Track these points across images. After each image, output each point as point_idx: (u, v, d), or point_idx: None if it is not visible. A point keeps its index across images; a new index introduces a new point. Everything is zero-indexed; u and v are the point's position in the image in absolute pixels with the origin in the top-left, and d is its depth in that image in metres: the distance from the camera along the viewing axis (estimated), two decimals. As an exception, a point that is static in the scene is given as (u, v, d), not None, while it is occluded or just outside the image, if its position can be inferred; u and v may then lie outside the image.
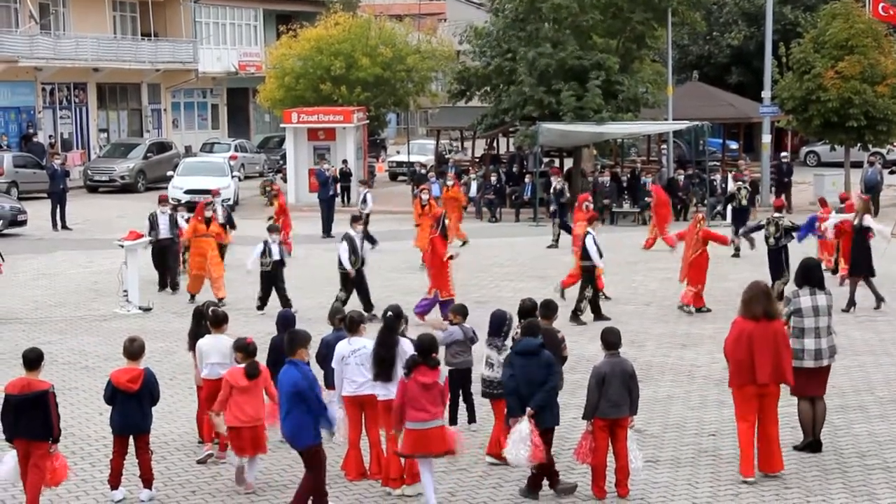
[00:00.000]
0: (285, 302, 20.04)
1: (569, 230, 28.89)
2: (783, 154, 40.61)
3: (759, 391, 11.54)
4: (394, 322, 11.71)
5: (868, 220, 20.91)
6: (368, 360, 11.56)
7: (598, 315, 19.63)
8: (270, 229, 21.13)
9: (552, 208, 30.05)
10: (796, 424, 12.66)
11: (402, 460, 11.37)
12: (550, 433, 11.28)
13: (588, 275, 19.70)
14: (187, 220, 23.40)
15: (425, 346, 10.91)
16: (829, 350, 12.49)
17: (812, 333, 12.33)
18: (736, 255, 25.98)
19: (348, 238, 20.00)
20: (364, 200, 30.22)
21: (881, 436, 13.20)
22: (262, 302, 20.67)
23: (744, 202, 28.22)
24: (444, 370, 11.03)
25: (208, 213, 22.60)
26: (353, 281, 20.08)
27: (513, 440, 10.99)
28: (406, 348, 11.42)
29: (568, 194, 30.88)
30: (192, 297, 21.49)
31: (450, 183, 31.01)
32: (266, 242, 20.56)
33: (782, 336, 11.71)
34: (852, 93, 35.90)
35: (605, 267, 20.32)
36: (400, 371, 11.19)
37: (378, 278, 22.67)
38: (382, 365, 11.44)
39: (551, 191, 30.63)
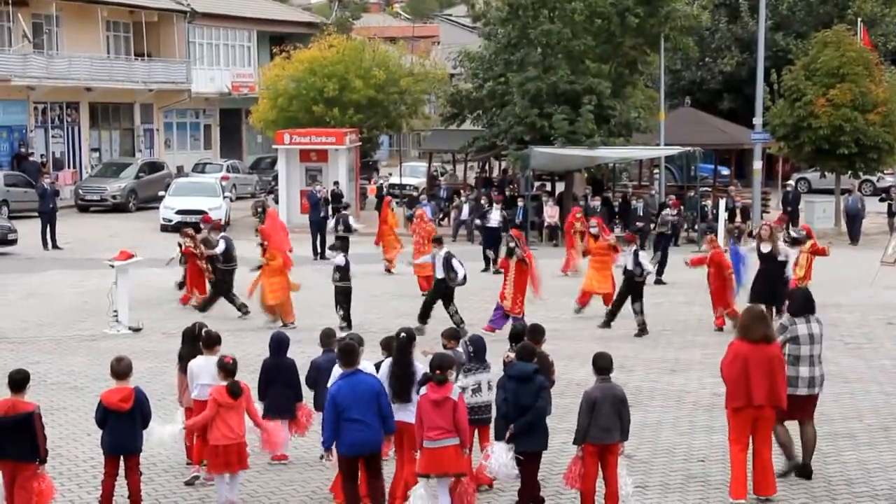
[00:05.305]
0: (348, 321, 20.03)
1: (491, 256, 29.29)
2: (788, 182, 40.50)
3: (754, 414, 11.51)
4: (406, 343, 11.69)
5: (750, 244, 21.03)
6: None
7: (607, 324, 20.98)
8: (334, 248, 21.11)
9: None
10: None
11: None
12: (538, 458, 11.26)
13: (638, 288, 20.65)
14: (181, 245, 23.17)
15: (433, 363, 10.93)
16: (820, 378, 12.50)
17: (807, 361, 12.33)
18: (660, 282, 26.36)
19: (449, 255, 20.23)
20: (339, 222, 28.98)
21: (870, 463, 13.19)
22: (348, 322, 20.10)
23: (667, 232, 28.62)
24: (456, 388, 10.99)
25: (260, 239, 21.69)
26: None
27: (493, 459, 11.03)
28: (420, 372, 11.45)
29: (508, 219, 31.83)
30: (287, 324, 20.53)
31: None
32: (346, 258, 20.54)
33: (778, 360, 11.69)
34: (843, 120, 36.05)
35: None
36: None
37: (376, 302, 22.65)
38: (397, 384, 11.42)
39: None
